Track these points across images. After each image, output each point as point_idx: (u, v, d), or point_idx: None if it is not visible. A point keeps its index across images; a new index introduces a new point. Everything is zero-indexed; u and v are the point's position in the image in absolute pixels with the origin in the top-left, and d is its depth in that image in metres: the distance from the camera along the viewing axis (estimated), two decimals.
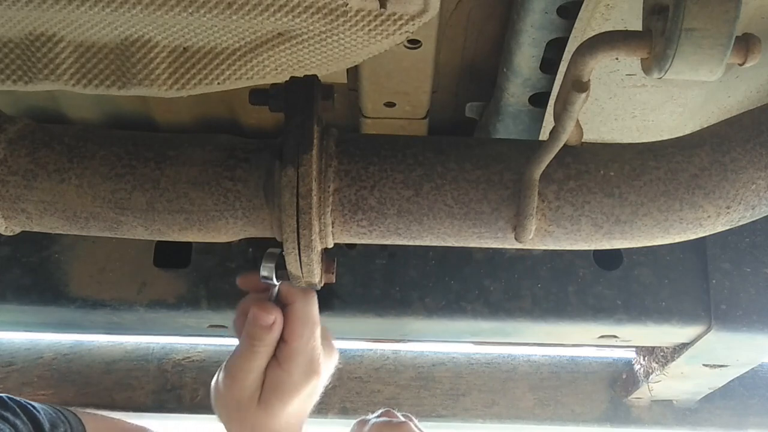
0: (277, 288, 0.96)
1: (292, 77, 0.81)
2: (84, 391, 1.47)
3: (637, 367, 1.44)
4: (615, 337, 1.22)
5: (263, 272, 0.91)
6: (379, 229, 0.79)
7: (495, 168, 0.77)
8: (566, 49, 0.83)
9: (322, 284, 0.91)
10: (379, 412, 1.22)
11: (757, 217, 0.77)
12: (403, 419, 1.20)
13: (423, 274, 1.17)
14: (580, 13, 0.78)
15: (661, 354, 1.34)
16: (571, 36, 0.81)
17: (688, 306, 1.16)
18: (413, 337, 1.40)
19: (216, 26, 0.76)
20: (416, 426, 1.19)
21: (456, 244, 0.82)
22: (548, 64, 0.88)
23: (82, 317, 1.20)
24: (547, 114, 0.95)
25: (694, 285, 1.17)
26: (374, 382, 1.54)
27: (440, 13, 0.82)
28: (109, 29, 0.77)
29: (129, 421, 1.43)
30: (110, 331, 1.41)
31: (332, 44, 0.77)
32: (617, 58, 0.83)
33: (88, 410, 1.38)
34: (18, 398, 1.18)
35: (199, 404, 1.48)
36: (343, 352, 1.55)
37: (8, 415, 1.10)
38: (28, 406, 1.17)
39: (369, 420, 1.20)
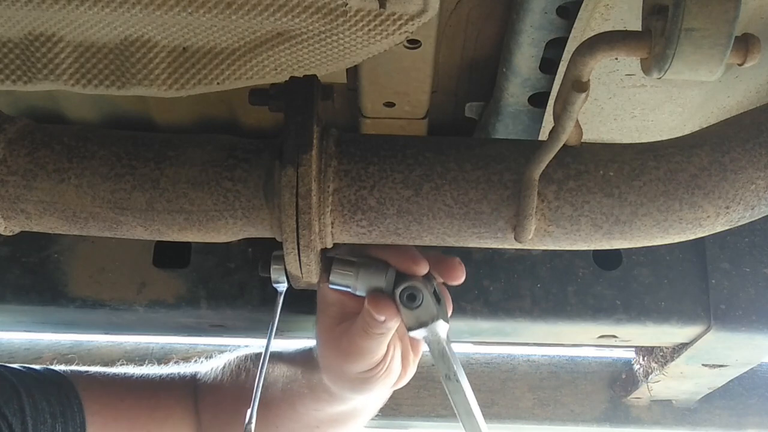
0: (283, 295, 0.96)
1: (291, 77, 0.81)
2: None
3: (636, 367, 1.44)
4: (614, 337, 1.22)
5: (273, 275, 0.91)
6: (379, 229, 0.79)
7: (495, 168, 0.77)
8: (566, 49, 0.83)
9: (324, 284, 0.91)
10: None
11: (757, 218, 0.77)
12: None
13: None
14: (579, 13, 0.78)
15: (661, 354, 1.34)
16: (571, 36, 0.81)
17: (687, 306, 1.16)
18: None
19: (215, 26, 0.76)
20: None
21: (456, 245, 0.82)
22: (548, 64, 0.88)
23: (81, 317, 1.19)
24: (546, 114, 0.95)
25: (693, 285, 1.17)
26: None
27: (440, 13, 0.82)
28: (108, 29, 0.77)
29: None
30: (110, 331, 1.40)
31: (332, 44, 0.77)
32: (617, 58, 0.83)
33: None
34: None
35: None
36: None
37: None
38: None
39: None
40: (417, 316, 0.89)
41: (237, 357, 1.21)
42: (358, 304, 0.93)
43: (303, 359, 1.10)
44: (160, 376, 1.23)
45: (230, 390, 1.18)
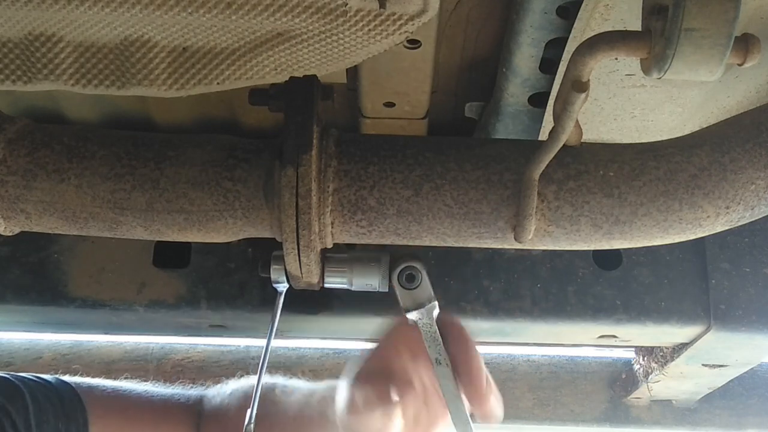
0: (283, 295, 0.96)
1: (291, 77, 0.81)
2: None
3: (636, 367, 1.44)
4: (614, 337, 1.22)
5: (273, 275, 0.91)
6: (379, 229, 0.79)
7: (495, 168, 0.77)
8: (566, 49, 0.83)
9: (321, 285, 0.91)
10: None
11: (757, 218, 0.77)
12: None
13: None
14: (579, 14, 0.78)
15: (661, 354, 1.34)
16: (571, 36, 0.81)
17: (687, 306, 1.16)
18: None
19: (215, 26, 0.76)
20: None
21: (456, 244, 0.82)
22: (548, 64, 0.88)
23: (81, 317, 1.20)
24: (546, 114, 0.95)
25: (693, 285, 1.17)
26: None
27: (439, 13, 0.82)
28: (108, 29, 0.77)
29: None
30: (109, 331, 1.40)
31: (332, 44, 0.77)
32: (617, 58, 0.83)
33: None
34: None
35: None
36: (342, 353, 1.55)
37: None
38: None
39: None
40: (414, 296, 0.89)
41: (244, 384, 1.20)
42: (399, 370, 0.91)
43: (325, 389, 1.08)
44: (165, 394, 1.22)
45: (236, 417, 1.17)
